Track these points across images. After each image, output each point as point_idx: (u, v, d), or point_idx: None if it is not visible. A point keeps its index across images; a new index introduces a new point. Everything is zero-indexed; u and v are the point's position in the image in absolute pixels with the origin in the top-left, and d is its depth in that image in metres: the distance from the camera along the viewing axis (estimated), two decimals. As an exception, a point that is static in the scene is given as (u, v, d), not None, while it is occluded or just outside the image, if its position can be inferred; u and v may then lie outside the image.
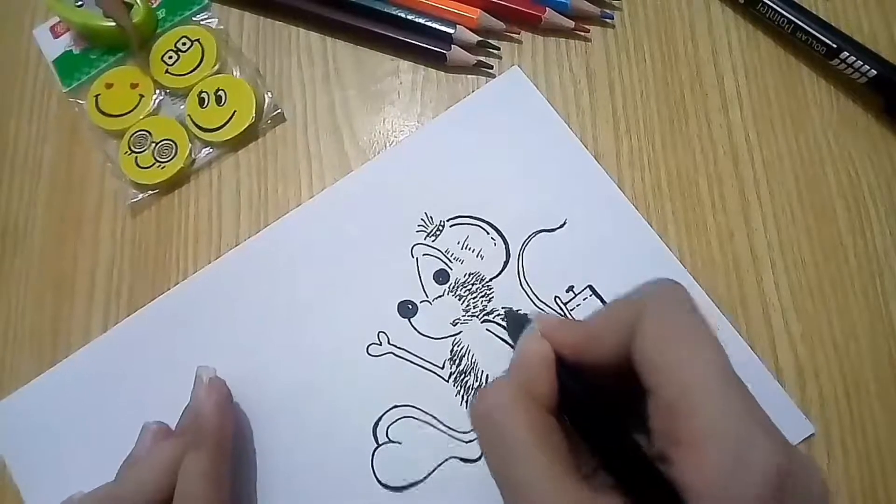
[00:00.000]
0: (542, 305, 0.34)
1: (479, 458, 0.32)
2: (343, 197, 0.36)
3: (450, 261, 0.35)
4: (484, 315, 0.34)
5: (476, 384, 0.33)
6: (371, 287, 0.35)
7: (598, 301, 0.33)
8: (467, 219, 0.35)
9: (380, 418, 0.32)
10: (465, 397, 0.33)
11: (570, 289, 0.34)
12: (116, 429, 0.32)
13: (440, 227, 0.35)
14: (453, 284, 0.34)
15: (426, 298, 0.34)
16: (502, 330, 0.33)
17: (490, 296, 0.34)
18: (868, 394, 0.31)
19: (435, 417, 0.32)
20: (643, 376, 0.19)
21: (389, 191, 0.36)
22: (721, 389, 0.18)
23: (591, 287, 0.33)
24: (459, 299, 0.34)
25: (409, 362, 0.33)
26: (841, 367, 0.32)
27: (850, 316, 0.33)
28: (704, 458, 0.17)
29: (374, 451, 0.32)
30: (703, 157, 0.35)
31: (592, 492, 0.19)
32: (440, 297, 0.34)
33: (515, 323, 0.26)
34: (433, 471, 0.32)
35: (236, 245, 0.36)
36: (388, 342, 0.34)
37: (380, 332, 0.34)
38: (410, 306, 0.34)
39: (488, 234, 0.35)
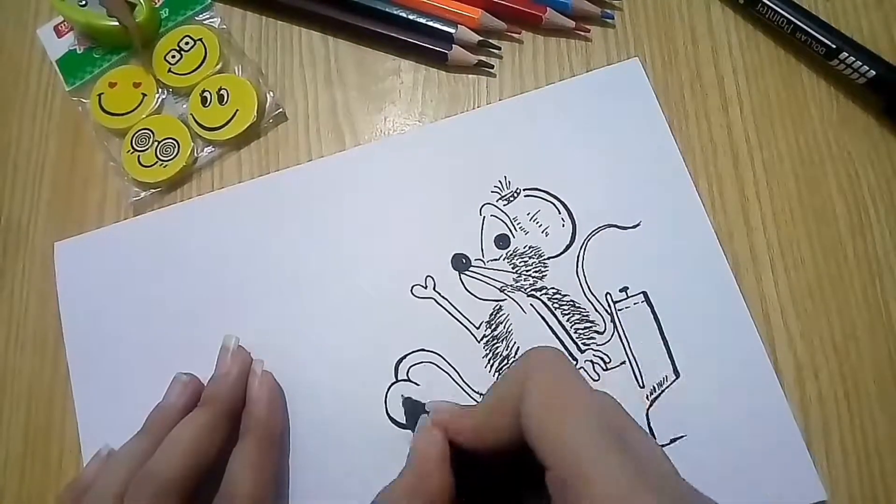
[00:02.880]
0: (590, 297, 0.33)
1: None
2: (433, 137, 0.37)
3: (514, 229, 0.35)
4: (532, 290, 0.34)
5: (505, 353, 0.33)
6: (432, 231, 0.35)
7: (649, 309, 0.33)
8: (544, 193, 0.35)
9: (405, 356, 0.33)
10: (492, 362, 0.33)
11: (624, 289, 0.33)
12: (164, 300, 0.35)
13: (515, 194, 0.35)
14: (511, 252, 0.34)
15: (481, 258, 0.34)
16: (545, 309, 0.33)
17: (544, 273, 0.34)
18: (868, 394, 0.31)
19: (457, 371, 0.33)
20: (536, 453, 0.20)
21: (477, 143, 0.36)
22: (606, 458, 0.18)
23: (644, 294, 0.33)
24: (513, 268, 0.34)
25: (447, 312, 0.34)
26: (840, 367, 0.32)
27: (849, 316, 0.33)
28: None
29: (391, 385, 0.33)
30: (703, 157, 0.35)
31: None
32: (495, 260, 0.34)
33: (412, 410, 0.26)
34: None
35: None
36: (434, 288, 0.34)
37: (428, 276, 0.34)
38: (465, 260, 0.34)
39: (559, 213, 0.35)
